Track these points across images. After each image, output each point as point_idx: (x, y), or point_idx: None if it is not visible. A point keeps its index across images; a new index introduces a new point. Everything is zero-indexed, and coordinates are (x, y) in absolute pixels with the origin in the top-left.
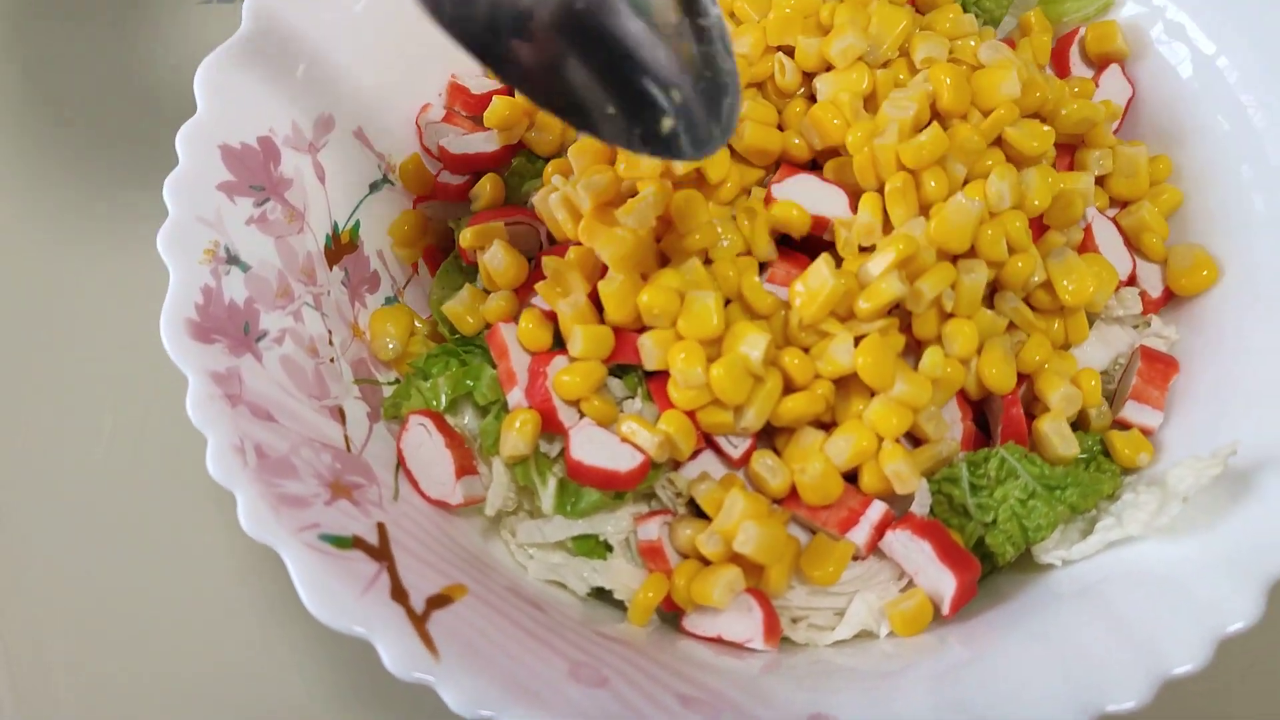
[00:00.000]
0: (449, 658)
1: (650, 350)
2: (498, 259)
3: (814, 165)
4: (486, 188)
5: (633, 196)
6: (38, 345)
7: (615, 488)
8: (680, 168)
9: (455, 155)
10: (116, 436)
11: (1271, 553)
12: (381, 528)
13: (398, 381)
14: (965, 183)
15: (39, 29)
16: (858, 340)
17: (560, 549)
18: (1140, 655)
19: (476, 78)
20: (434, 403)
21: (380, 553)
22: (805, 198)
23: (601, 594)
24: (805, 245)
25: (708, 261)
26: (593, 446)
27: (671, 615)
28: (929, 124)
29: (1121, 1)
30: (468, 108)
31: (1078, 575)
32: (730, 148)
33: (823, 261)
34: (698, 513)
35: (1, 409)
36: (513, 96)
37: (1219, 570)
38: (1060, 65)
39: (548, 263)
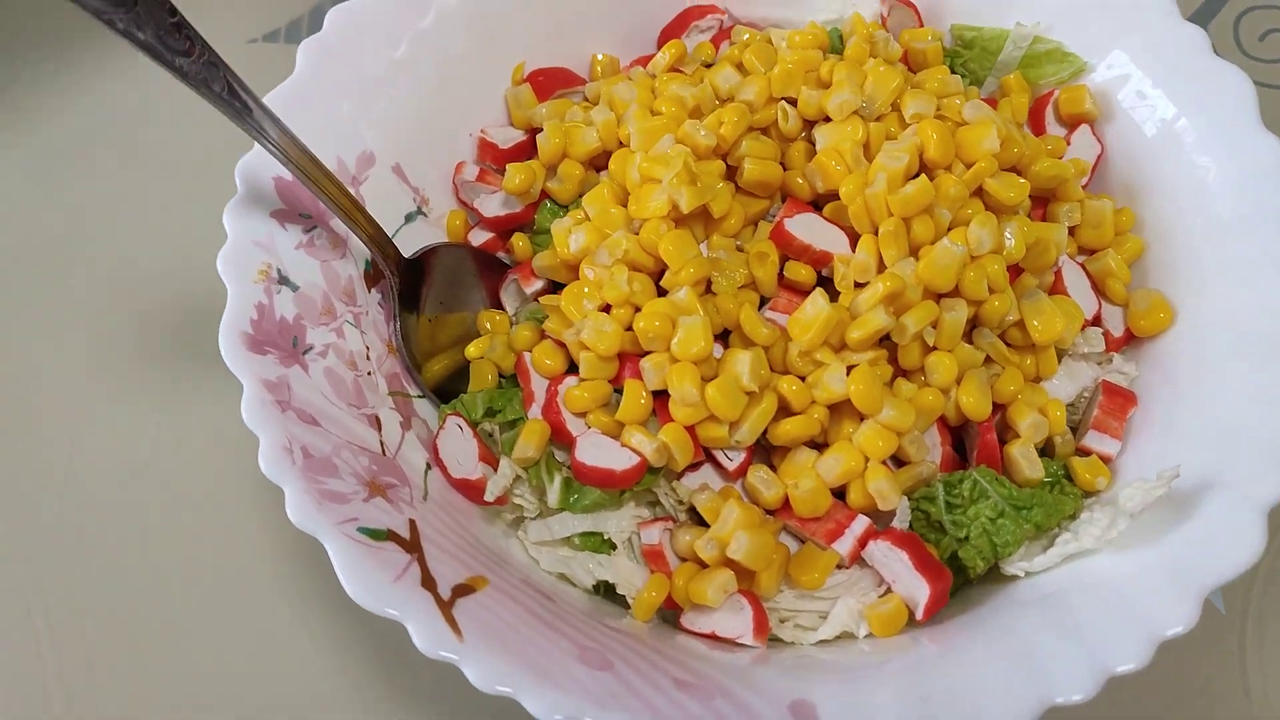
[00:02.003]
0: (472, 639)
1: (650, 371)
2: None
3: (817, 205)
4: (517, 245)
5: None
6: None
7: (613, 486)
8: (685, 205)
9: (488, 217)
10: (161, 438)
11: (1207, 566)
12: (413, 524)
13: (422, 395)
14: (950, 228)
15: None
16: (849, 369)
17: (568, 544)
18: (1088, 655)
19: (503, 128)
20: (472, 414)
21: (411, 545)
22: (812, 234)
23: (605, 591)
24: None
25: (709, 292)
26: (596, 450)
27: (670, 613)
28: (918, 174)
29: (1093, 67)
30: (497, 161)
31: (1038, 585)
32: (735, 183)
33: (818, 294)
34: (698, 520)
35: (58, 412)
36: (528, 161)
37: (1161, 581)
38: (1036, 124)
39: (547, 301)
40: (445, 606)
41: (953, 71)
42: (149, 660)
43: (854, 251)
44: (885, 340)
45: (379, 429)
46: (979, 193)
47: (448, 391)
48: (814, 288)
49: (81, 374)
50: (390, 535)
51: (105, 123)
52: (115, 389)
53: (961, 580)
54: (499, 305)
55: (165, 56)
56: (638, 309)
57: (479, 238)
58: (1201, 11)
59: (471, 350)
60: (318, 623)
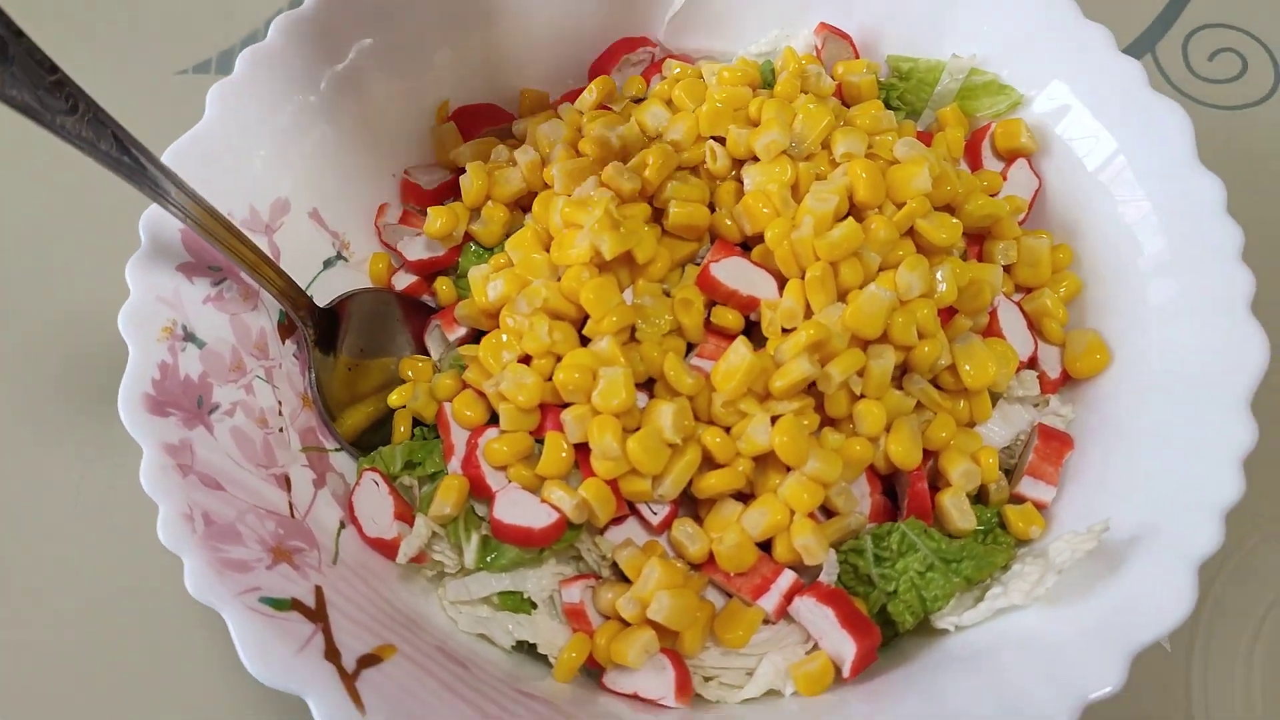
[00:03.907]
0: (375, 714)
1: (571, 424)
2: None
3: (746, 246)
4: (441, 290)
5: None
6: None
7: (532, 544)
8: (608, 252)
9: (412, 261)
10: (83, 493)
11: (1137, 625)
12: (319, 590)
13: (340, 449)
14: (880, 269)
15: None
16: (775, 419)
17: (487, 604)
18: (1012, 718)
19: (427, 168)
20: (391, 468)
21: (316, 614)
22: (738, 279)
23: (527, 649)
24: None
25: (634, 340)
26: (515, 508)
27: (595, 672)
28: (848, 215)
29: (1030, 100)
30: (421, 202)
31: (969, 640)
32: (661, 225)
33: (740, 342)
34: (622, 576)
35: None
36: (451, 203)
37: (1089, 641)
38: (973, 158)
39: (466, 351)
40: (349, 679)
41: (889, 104)
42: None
43: (781, 296)
44: (812, 388)
45: (289, 489)
46: (911, 233)
47: (369, 443)
48: (741, 333)
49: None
50: (294, 604)
51: (16, 164)
52: (40, 435)
53: (892, 633)
54: (425, 350)
55: (45, 117)
56: (559, 359)
57: (403, 281)
58: (1151, 30)
59: (393, 399)
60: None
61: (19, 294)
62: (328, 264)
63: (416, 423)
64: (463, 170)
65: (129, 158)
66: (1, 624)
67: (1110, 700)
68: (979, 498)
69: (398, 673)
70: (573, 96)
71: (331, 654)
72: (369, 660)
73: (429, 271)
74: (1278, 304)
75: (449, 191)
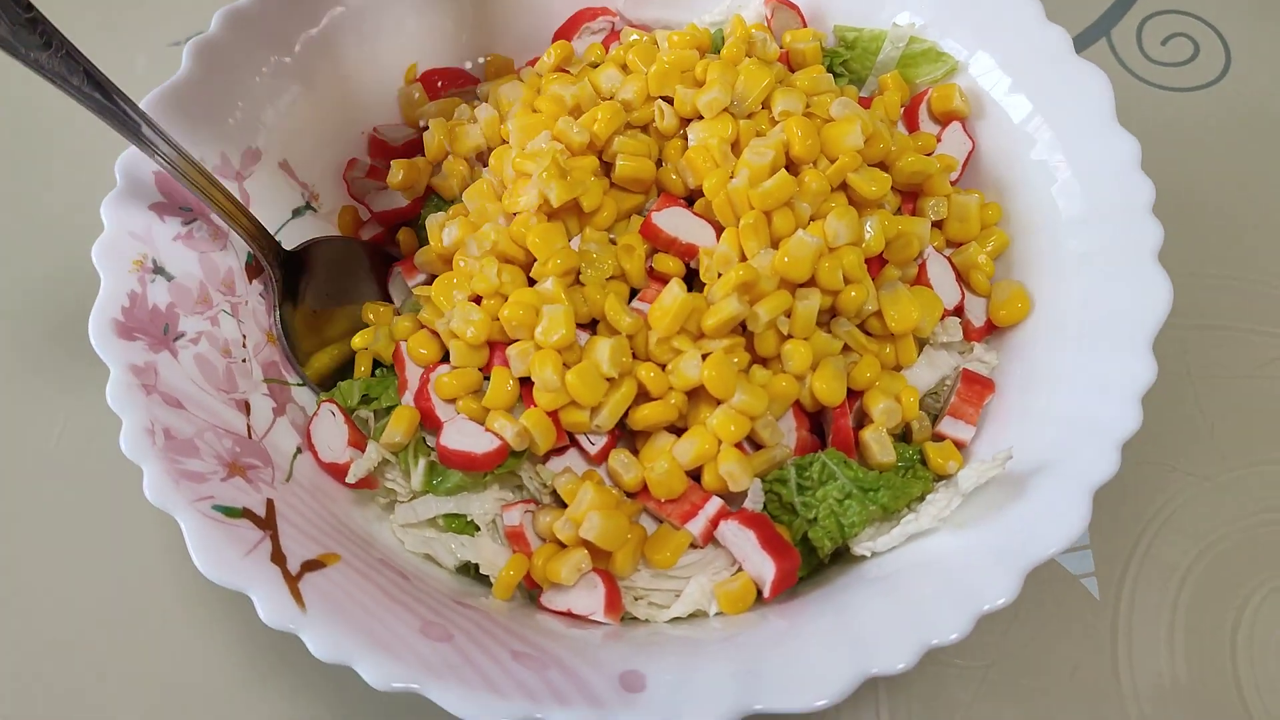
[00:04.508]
0: (315, 612)
1: (516, 359)
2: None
3: (691, 200)
4: (403, 240)
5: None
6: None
7: (474, 468)
8: (555, 199)
9: (377, 212)
10: (65, 433)
11: (1032, 543)
12: (270, 503)
13: (303, 383)
14: (812, 220)
15: None
16: (706, 357)
17: (433, 526)
18: (913, 628)
19: (395, 126)
20: (348, 401)
21: (266, 523)
22: (678, 227)
23: (471, 573)
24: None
25: (578, 283)
26: (460, 435)
27: (532, 594)
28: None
29: (966, 66)
30: (387, 158)
31: (883, 564)
32: (608, 178)
33: (675, 283)
34: (562, 504)
35: None
36: (414, 156)
37: (989, 558)
38: (911, 122)
39: (420, 292)
40: (292, 580)
41: (834, 72)
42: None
43: (718, 244)
44: (745, 332)
45: (248, 413)
46: (844, 187)
47: (333, 384)
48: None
49: None
50: (245, 513)
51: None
52: (26, 378)
53: (815, 562)
54: (389, 299)
55: (20, 51)
56: (507, 300)
57: (370, 232)
58: (1106, 16)
59: (356, 341)
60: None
61: (9, 244)
62: (296, 213)
63: (377, 364)
64: (427, 128)
65: (100, 92)
66: None
67: (1039, 642)
68: (904, 438)
69: (340, 577)
70: (535, 64)
71: (277, 558)
72: (313, 565)
73: (393, 223)
74: (1229, 271)
75: (414, 149)
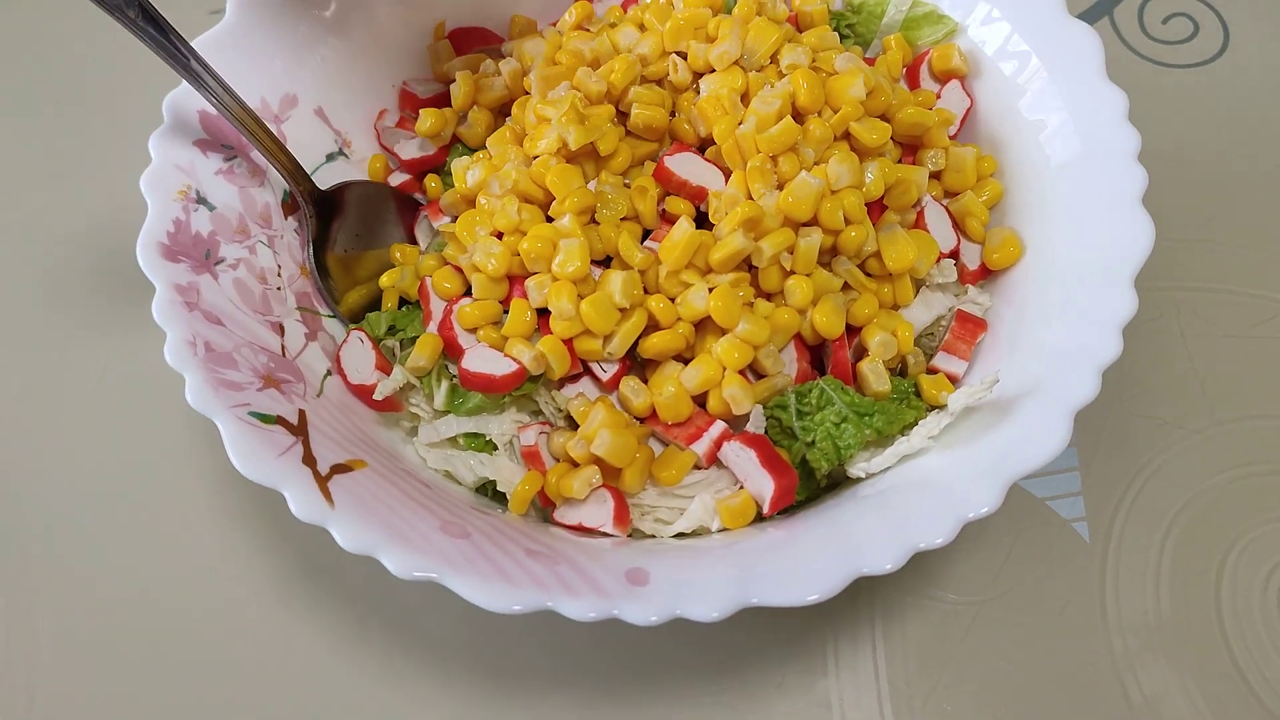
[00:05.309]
0: (343, 508)
1: (533, 290)
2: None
3: (703, 149)
4: (430, 185)
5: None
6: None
7: (493, 390)
8: (574, 143)
9: (405, 160)
10: (108, 374)
11: (1015, 459)
12: (302, 414)
13: (333, 315)
14: (815, 165)
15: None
16: (712, 290)
17: (453, 444)
18: (900, 535)
19: (424, 81)
20: (375, 331)
21: (298, 430)
22: (689, 171)
23: (489, 492)
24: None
25: (594, 222)
26: (480, 360)
27: (545, 511)
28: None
29: (965, 28)
30: (416, 110)
31: (877, 484)
32: (624, 126)
33: (685, 219)
34: (575, 427)
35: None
36: (441, 107)
37: (975, 472)
38: (912, 80)
39: (445, 229)
40: (322, 480)
41: (841, 34)
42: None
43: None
44: (750, 269)
45: (282, 334)
46: (847, 136)
47: (362, 318)
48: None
49: (35, 303)
50: (279, 420)
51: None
52: (71, 323)
53: (813, 485)
54: (415, 241)
55: None
56: (526, 235)
57: (398, 179)
58: None
59: (384, 280)
60: (247, 540)
61: (50, 203)
62: (330, 158)
63: (403, 302)
64: (454, 82)
65: (154, 28)
66: (35, 474)
67: (1031, 581)
68: (901, 372)
69: (366, 480)
70: (557, 24)
71: (309, 460)
72: (341, 468)
73: (421, 170)
74: (1221, 236)
75: (442, 102)
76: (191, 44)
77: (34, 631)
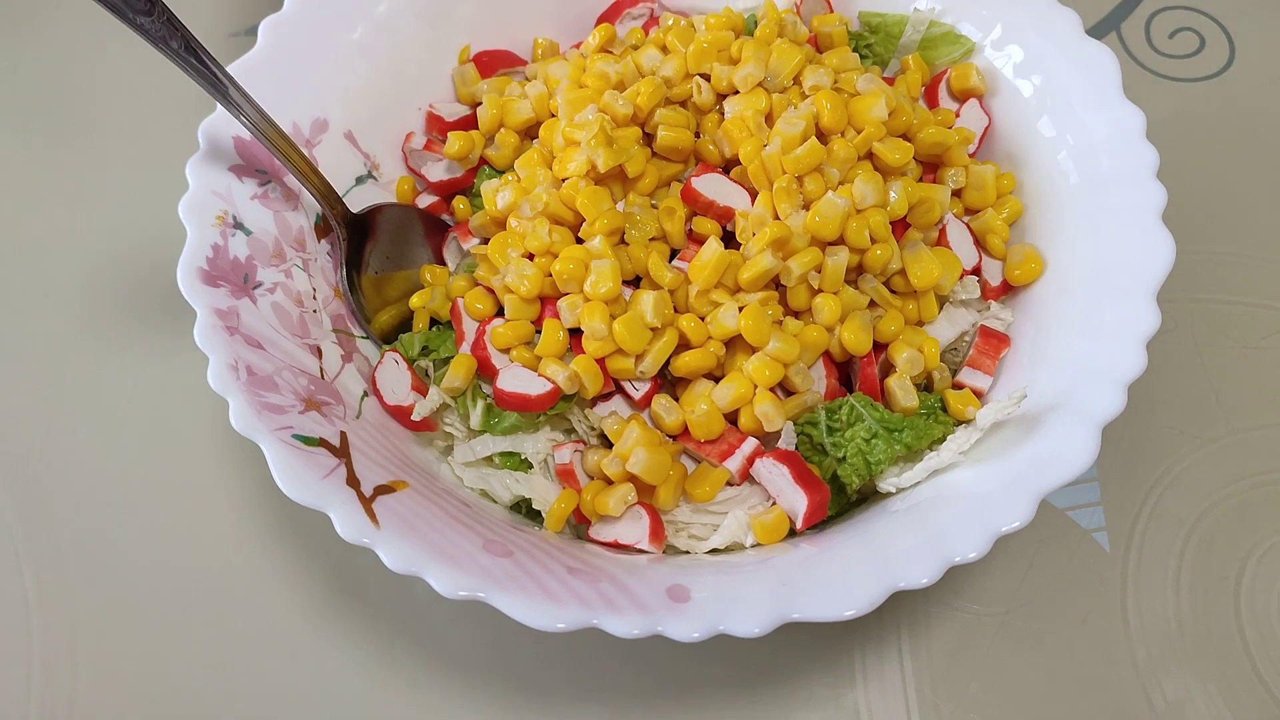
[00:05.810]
0: (387, 528)
1: (566, 311)
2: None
3: (727, 170)
4: (458, 207)
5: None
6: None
7: (528, 409)
8: (602, 165)
9: (433, 182)
10: (138, 393)
11: (1045, 474)
12: (343, 435)
13: (367, 336)
14: (840, 185)
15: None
16: (742, 309)
17: (489, 463)
18: (936, 548)
19: (449, 104)
20: (409, 352)
21: (340, 452)
22: (716, 192)
23: (524, 510)
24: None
25: (623, 243)
26: (515, 380)
27: (581, 528)
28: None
29: (982, 47)
30: (442, 132)
31: (908, 498)
32: (650, 148)
33: (714, 239)
34: (608, 445)
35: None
36: (468, 130)
37: (1005, 487)
38: (931, 99)
39: (476, 250)
40: (366, 501)
41: (860, 54)
42: (126, 586)
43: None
44: (778, 287)
45: (320, 357)
46: (870, 156)
47: (395, 339)
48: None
49: (67, 325)
50: (322, 442)
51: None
52: (102, 344)
53: (844, 500)
54: (444, 263)
55: (127, 15)
56: (557, 258)
57: (425, 201)
58: (1116, 12)
59: (414, 301)
60: (274, 561)
61: (79, 226)
62: (359, 180)
63: (434, 323)
64: (480, 104)
65: (195, 58)
66: (67, 495)
67: (1053, 591)
68: (926, 388)
69: (408, 500)
70: (580, 46)
71: (352, 481)
72: (384, 489)
73: (448, 192)
74: (1236, 249)
75: (468, 124)
76: (228, 69)
77: (72, 651)
